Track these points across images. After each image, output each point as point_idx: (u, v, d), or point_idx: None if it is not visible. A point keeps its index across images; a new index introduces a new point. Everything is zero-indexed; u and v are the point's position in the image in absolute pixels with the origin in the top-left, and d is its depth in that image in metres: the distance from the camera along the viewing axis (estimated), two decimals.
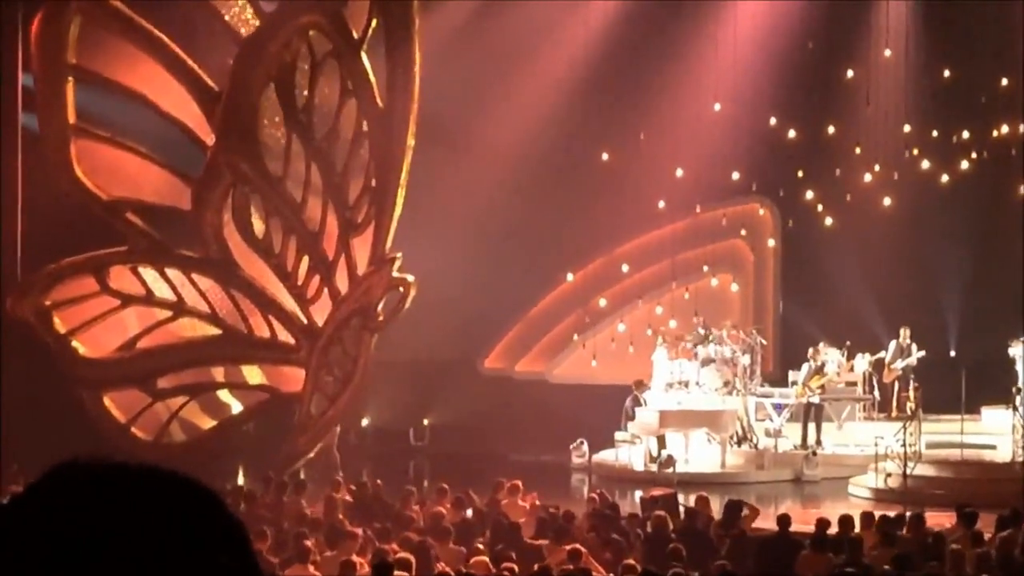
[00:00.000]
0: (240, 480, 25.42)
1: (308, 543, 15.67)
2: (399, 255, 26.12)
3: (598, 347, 34.44)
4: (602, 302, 35.25)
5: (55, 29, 25.10)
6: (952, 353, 32.40)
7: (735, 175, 33.21)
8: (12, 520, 1.75)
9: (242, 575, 1.81)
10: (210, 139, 25.65)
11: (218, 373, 26.92)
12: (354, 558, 15.03)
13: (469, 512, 19.73)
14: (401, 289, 26.12)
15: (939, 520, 19.46)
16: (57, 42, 25.07)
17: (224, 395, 26.73)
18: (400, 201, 25.96)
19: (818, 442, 29.08)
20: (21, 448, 23.23)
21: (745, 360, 30.63)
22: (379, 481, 22.27)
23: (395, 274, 26.10)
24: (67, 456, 1.85)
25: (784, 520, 18.10)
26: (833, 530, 18.11)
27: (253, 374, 26.85)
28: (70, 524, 1.72)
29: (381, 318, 26.36)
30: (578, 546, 16.04)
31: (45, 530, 1.72)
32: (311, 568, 15.23)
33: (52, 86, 25.28)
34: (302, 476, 25.32)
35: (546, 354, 35.66)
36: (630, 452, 29.34)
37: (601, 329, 35.12)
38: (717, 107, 32.17)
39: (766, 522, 20.01)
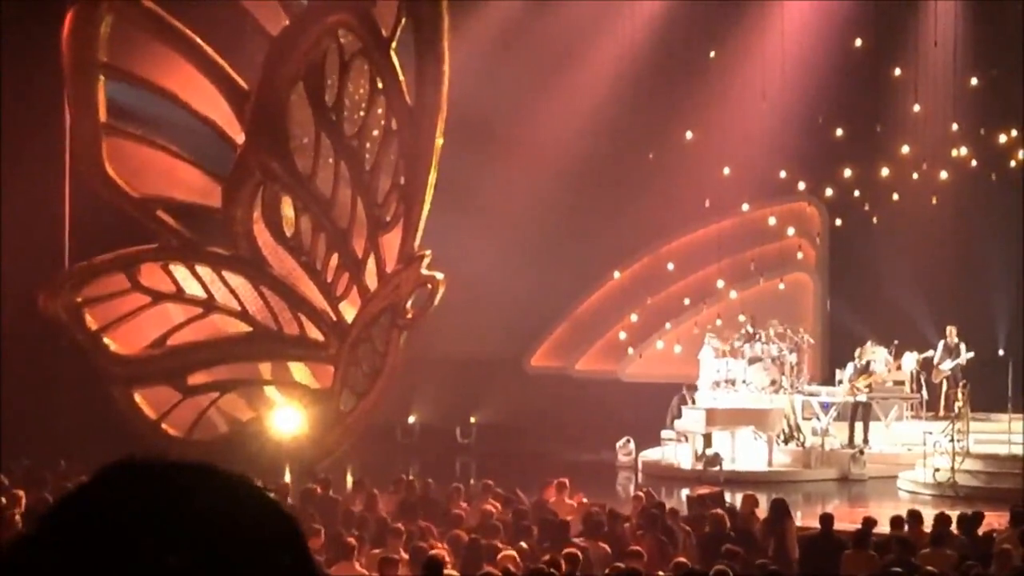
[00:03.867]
0: (287, 477, 25.49)
1: (352, 540, 15.70)
2: (428, 252, 26.18)
3: (645, 345, 34.46)
4: (648, 300, 35.24)
5: (86, 28, 25.23)
6: (1001, 352, 32.20)
7: (782, 173, 33.15)
8: (66, 519, 1.75)
9: (299, 572, 1.81)
10: (240, 137, 25.78)
11: (265, 370, 27.04)
12: (395, 555, 15.05)
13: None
14: (430, 286, 26.20)
15: (988, 520, 19.35)
16: (88, 41, 25.21)
17: (270, 391, 26.82)
18: (429, 199, 26.03)
19: (865, 441, 28.99)
20: (77, 445, 23.52)
21: (792, 359, 30.56)
22: (430, 480, 22.27)
23: (424, 271, 26.16)
24: (119, 454, 1.86)
25: (827, 519, 18.03)
26: (882, 529, 18.06)
27: (298, 370, 26.95)
28: (124, 523, 1.72)
29: (410, 315, 26.44)
30: (639, 548, 16.00)
31: (98, 529, 1.72)
32: (357, 566, 15.26)
33: (83, 85, 25.43)
34: (349, 474, 25.40)
35: (605, 353, 35.64)
36: (676, 450, 29.30)
37: (648, 327, 35.14)
38: (764, 105, 32.08)
39: (812, 521, 19.95)
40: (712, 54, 33.15)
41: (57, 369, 27.37)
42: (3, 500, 18.01)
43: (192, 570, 1.69)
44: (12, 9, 27.06)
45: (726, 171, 32.84)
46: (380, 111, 25.97)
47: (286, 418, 26.36)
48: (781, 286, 34.38)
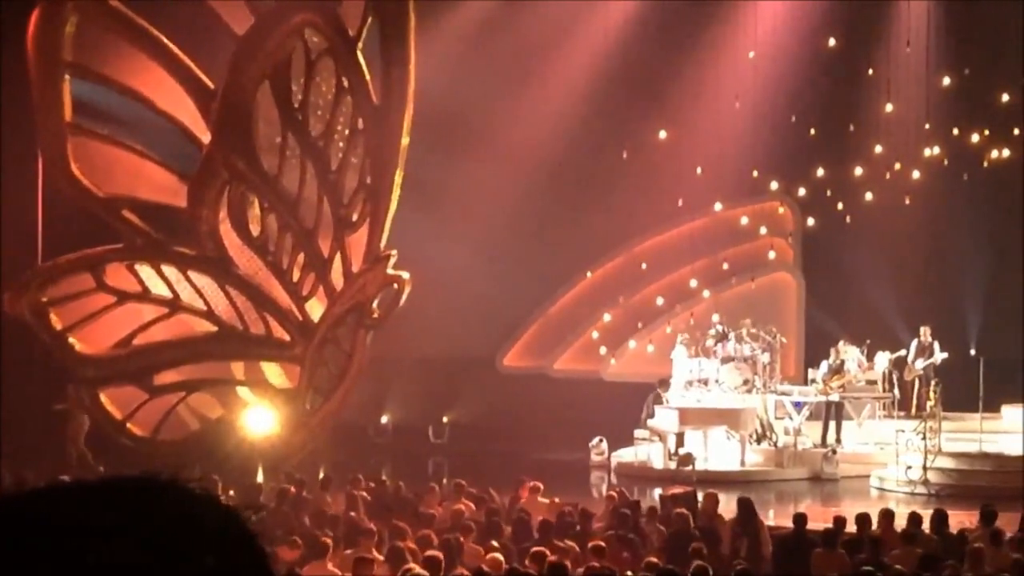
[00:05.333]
0: (260, 478, 25.45)
1: (326, 540, 15.67)
2: (394, 252, 26.18)
3: (617, 344, 34.46)
4: (621, 300, 35.26)
5: (52, 27, 25.21)
6: (972, 351, 32.27)
7: (755, 173, 33.17)
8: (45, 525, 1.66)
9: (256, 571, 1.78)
10: (206, 137, 25.74)
11: (236, 369, 26.99)
12: (369, 555, 15.02)
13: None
14: (396, 286, 26.20)
15: (959, 518, 19.42)
16: (54, 40, 25.19)
17: (242, 390, 26.78)
18: (395, 198, 26.03)
19: (838, 440, 29.04)
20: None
21: (764, 358, 30.58)
22: (401, 484, 22.23)
23: (390, 271, 26.16)
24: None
25: (800, 519, 18.04)
26: (852, 528, 18.08)
27: (270, 370, 26.91)
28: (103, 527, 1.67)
29: (376, 315, 26.43)
30: (600, 542, 16.01)
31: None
32: (329, 565, 15.24)
33: (48, 84, 25.40)
34: (321, 474, 25.34)
35: (581, 353, 35.63)
36: (649, 450, 29.31)
37: (622, 327, 35.15)
38: (737, 105, 32.11)
39: (785, 521, 19.97)
40: (751, 54, 32.89)
41: (27, 368, 27.28)
42: None
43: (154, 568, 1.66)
44: None
45: (699, 171, 32.86)
46: (347, 111, 25.95)
47: (258, 418, 26.31)
48: (753, 285, 34.39)
